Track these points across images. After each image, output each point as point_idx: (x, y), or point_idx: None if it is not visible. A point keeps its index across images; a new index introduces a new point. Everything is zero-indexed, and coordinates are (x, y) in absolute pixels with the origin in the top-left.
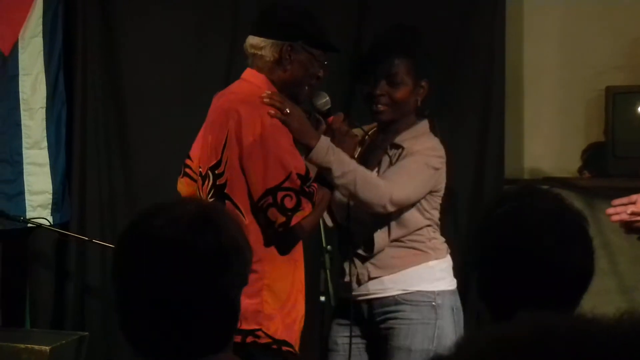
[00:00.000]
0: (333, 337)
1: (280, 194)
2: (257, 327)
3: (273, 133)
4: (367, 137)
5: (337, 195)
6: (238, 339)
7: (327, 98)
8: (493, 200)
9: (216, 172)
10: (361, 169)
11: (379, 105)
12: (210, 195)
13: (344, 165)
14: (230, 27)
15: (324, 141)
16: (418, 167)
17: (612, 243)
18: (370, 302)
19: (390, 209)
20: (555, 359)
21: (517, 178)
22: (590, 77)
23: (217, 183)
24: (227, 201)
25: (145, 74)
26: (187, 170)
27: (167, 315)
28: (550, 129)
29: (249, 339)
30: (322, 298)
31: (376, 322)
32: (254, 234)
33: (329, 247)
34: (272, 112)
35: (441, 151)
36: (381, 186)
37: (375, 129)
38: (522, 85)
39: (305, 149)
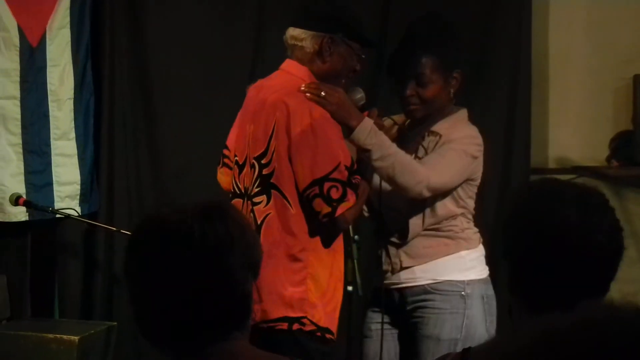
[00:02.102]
0: (367, 323)
1: (327, 185)
2: (302, 314)
3: (322, 124)
4: (401, 126)
5: (374, 180)
6: (284, 326)
7: (363, 93)
8: (517, 192)
9: (262, 161)
10: (401, 153)
11: (411, 106)
12: (256, 185)
13: (384, 148)
14: (257, 16)
15: (367, 123)
16: (457, 155)
17: None
18: (401, 290)
19: (426, 194)
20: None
21: (543, 167)
22: (618, 66)
23: (263, 173)
24: (273, 191)
25: (172, 64)
26: (225, 160)
27: (179, 305)
28: (577, 118)
29: (295, 326)
30: (350, 288)
31: (407, 311)
32: (300, 224)
33: (356, 236)
34: (309, 95)
35: (479, 139)
36: (420, 171)
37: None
38: (549, 75)
39: (347, 130)
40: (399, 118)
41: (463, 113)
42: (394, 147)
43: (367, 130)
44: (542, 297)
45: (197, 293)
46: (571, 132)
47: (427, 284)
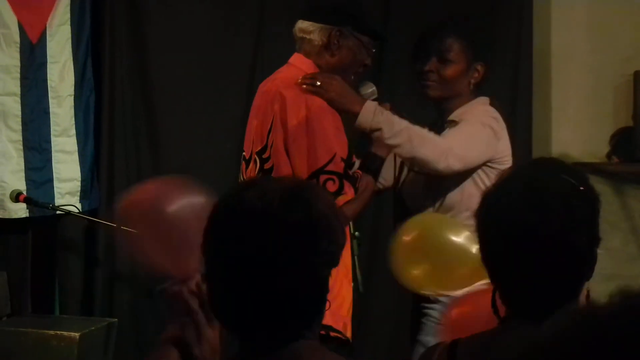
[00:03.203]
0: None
1: (322, 177)
2: None
3: (318, 116)
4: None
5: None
6: None
7: (374, 88)
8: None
9: (263, 156)
10: (414, 127)
11: (427, 81)
12: None
13: (394, 124)
14: (257, 14)
15: (370, 105)
16: (473, 126)
17: None
18: (415, 294)
19: (456, 165)
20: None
21: None
22: (619, 63)
23: (265, 167)
24: None
25: (172, 61)
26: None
27: (255, 290)
28: (578, 115)
29: None
30: None
31: (418, 314)
32: None
33: (356, 232)
34: (305, 86)
35: (495, 114)
36: (439, 141)
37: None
38: (550, 72)
39: (352, 117)
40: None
41: (482, 100)
42: (405, 122)
43: (372, 110)
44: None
45: (276, 283)
46: (572, 129)
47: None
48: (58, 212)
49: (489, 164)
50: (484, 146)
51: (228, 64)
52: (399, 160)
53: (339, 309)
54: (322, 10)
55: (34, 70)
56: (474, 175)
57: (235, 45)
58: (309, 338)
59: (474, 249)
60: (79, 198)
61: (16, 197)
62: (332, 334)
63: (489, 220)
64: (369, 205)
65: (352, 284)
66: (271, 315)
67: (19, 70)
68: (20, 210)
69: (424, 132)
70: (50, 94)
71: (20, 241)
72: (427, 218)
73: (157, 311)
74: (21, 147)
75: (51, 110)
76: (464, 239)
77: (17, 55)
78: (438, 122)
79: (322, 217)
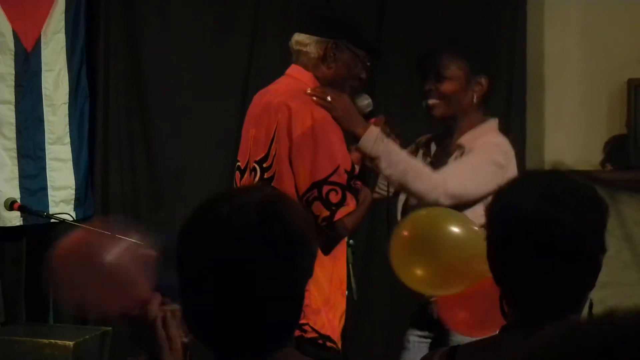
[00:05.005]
0: (407, 335)
1: (326, 188)
2: (304, 321)
3: (323, 126)
4: (421, 148)
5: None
6: None
7: (370, 100)
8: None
9: (264, 165)
10: (412, 159)
11: (430, 100)
12: None
13: (392, 154)
14: (251, 23)
15: (373, 130)
16: (478, 161)
17: (634, 236)
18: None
19: (445, 201)
20: None
21: None
22: (612, 70)
23: (265, 176)
24: None
25: (167, 69)
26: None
27: (234, 307)
28: (572, 122)
29: (296, 333)
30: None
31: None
32: None
33: (351, 241)
34: (316, 99)
35: (506, 147)
36: (434, 177)
37: (429, 137)
38: (544, 79)
39: (353, 138)
40: (424, 138)
41: (492, 123)
42: (403, 153)
43: (374, 137)
44: (498, 277)
45: (254, 298)
46: (565, 136)
47: None
48: (52, 220)
49: None
50: (483, 183)
51: (222, 71)
52: None
53: (334, 319)
54: (318, 23)
55: (28, 78)
56: (484, 202)
57: (230, 51)
58: (287, 346)
59: (477, 246)
60: (73, 206)
61: (10, 205)
62: (329, 343)
63: (502, 226)
64: (366, 216)
65: (345, 296)
66: (251, 330)
67: (13, 78)
68: (14, 219)
69: (420, 167)
70: (44, 102)
71: (15, 249)
72: (430, 212)
73: None
74: (15, 155)
75: (45, 118)
76: (467, 235)
77: (12, 63)
78: (446, 140)
79: (298, 231)
